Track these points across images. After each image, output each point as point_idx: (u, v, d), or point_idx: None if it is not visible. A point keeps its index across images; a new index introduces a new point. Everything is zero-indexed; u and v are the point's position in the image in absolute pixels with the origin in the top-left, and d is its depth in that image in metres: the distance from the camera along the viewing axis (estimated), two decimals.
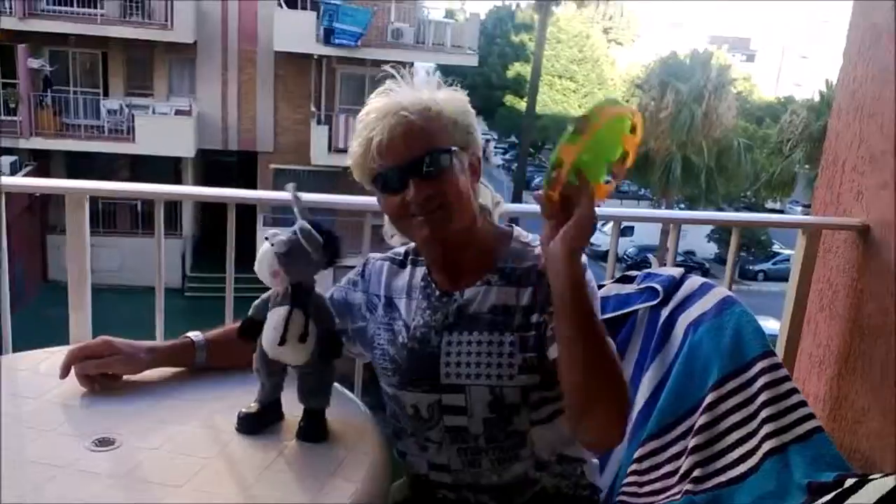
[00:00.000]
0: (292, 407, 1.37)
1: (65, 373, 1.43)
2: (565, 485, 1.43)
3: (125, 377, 1.47)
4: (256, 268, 1.27)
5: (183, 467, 1.25)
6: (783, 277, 2.25)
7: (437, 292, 1.42)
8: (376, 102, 1.35)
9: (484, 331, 1.36)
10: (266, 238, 1.26)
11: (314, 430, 1.35)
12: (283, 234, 1.27)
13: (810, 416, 1.50)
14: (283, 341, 1.28)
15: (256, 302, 1.34)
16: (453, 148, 1.33)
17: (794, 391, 1.52)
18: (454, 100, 1.36)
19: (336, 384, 1.45)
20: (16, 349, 2.01)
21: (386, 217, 1.41)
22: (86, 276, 1.88)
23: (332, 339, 1.34)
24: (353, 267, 1.57)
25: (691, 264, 22.55)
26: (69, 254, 1.88)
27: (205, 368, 1.53)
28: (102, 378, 1.44)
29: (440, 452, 1.41)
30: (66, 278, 1.97)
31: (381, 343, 1.46)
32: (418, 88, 1.35)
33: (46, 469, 1.22)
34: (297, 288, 1.29)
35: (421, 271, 1.46)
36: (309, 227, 1.27)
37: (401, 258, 1.51)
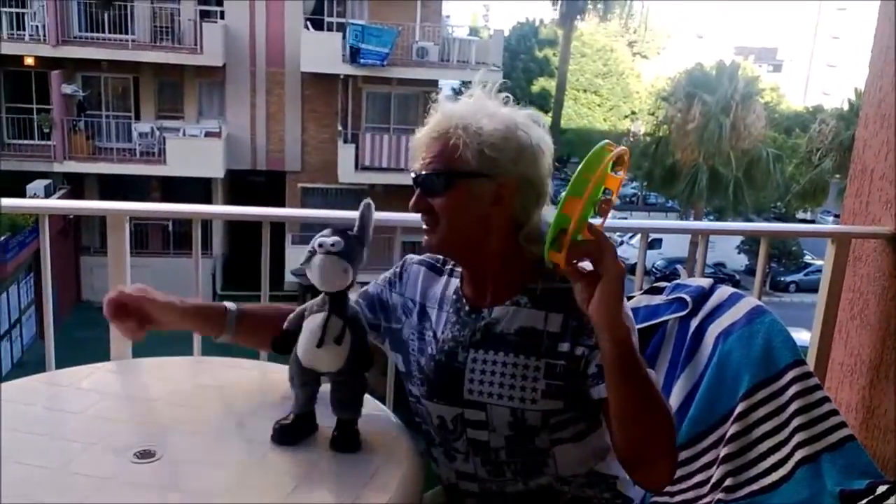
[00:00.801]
0: (327, 420, 1.40)
1: (109, 309, 1.48)
2: (596, 496, 1.44)
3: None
4: (319, 277, 1.30)
5: (222, 478, 1.28)
6: (815, 288, 2.23)
7: (467, 307, 1.43)
8: (444, 104, 1.37)
9: (510, 352, 1.36)
10: (319, 246, 1.30)
11: (347, 440, 1.38)
12: (327, 238, 1.31)
13: (842, 425, 1.49)
14: (320, 343, 1.31)
15: (291, 315, 1.38)
16: (472, 173, 1.31)
17: (825, 400, 1.51)
18: (504, 123, 1.32)
19: (368, 396, 1.48)
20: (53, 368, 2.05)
21: None
22: None
23: (364, 350, 1.37)
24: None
25: (721, 276, 22.35)
26: (111, 274, 1.93)
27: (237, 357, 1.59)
28: (133, 319, 1.48)
29: (467, 462, 1.43)
30: (99, 299, 2.01)
31: (413, 350, 1.48)
32: (479, 103, 1.34)
33: (92, 482, 1.25)
34: (334, 296, 1.33)
35: (454, 283, 1.47)
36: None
37: (439, 265, 1.52)
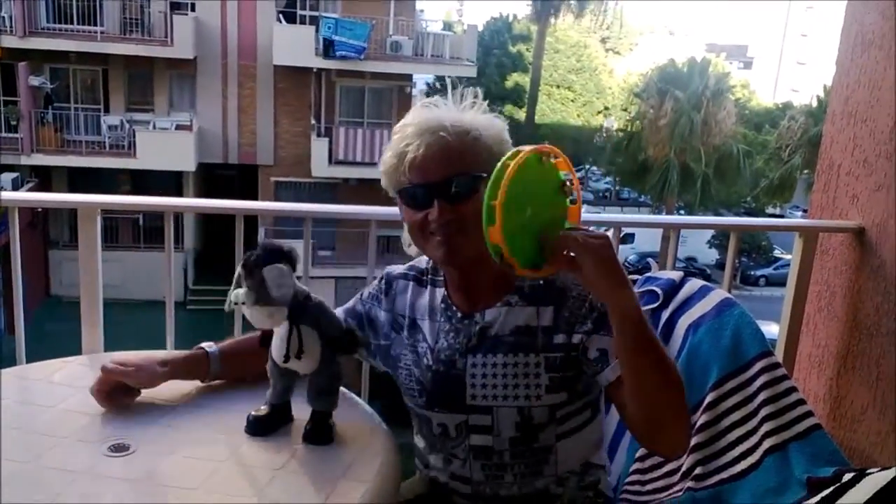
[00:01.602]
0: (304, 412, 1.40)
1: (98, 398, 1.45)
2: (582, 497, 1.46)
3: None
4: (259, 325, 1.32)
5: (197, 471, 1.28)
6: (785, 282, 2.28)
7: (459, 314, 1.43)
8: (417, 115, 1.35)
9: (508, 353, 1.37)
10: (240, 303, 1.29)
11: (319, 432, 1.38)
12: (241, 289, 1.29)
13: (809, 414, 1.53)
14: (286, 359, 1.34)
15: None
16: (483, 174, 1.30)
17: (792, 390, 1.55)
18: (493, 127, 1.36)
19: (344, 389, 1.48)
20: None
21: (405, 227, 1.42)
22: (97, 290, 1.90)
23: (343, 337, 1.39)
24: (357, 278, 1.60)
25: (693, 270, 22.57)
26: (82, 267, 1.91)
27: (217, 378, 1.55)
28: (121, 395, 1.45)
29: (464, 467, 1.43)
30: (68, 293, 1.99)
31: (407, 364, 1.47)
32: (462, 109, 1.36)
33: (65, 475, 1.25)
34: (291, 309, 1.33)
35: (440, 293, 1.47)
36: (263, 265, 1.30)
37: (422, 277, 1.51)
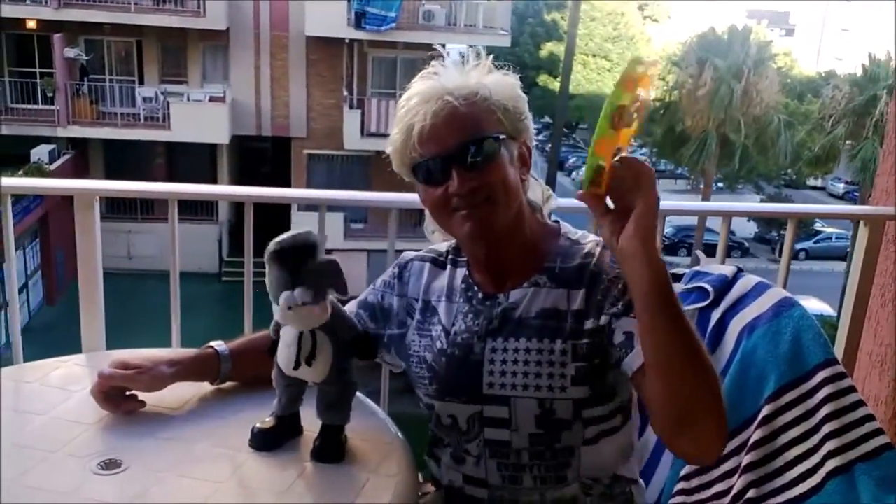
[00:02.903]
0: (314, 422, 1.28)
1: (98, 400, 1.34)
2: None
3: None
4: (302, 326, 1.20)
5: (193, 493, 1.17)
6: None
7: (480, 295, 1.31)
8: (419, 86, 1.25)
9: (532, 337, 1.25)
10: (300, 304, 1.17)
11: (329, 449, 1.27)
12: (297, 290, 1.17)
13: (879, 432, 1.37)
14: (297, 365, 1.21)
15: (273, 323, 1.26)
16: (501, 136, 1.23)
17: (860, 404, 1.39)
18: (505, 84, 1.26)
19: (361, 395, 1.36)
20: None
21: (427, 212, 1.31)
22: (97, 282, 1.80)
23: (359, 342, 1.28)
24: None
25: (730, 243, 22.13)
26: (80, 256, 1.81)
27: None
28: (126, 400, 1.34)
29: (478, 466, 1.31)
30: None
31: (418, 350, 1.36)
32: (466, 72, 1.26)
33: (48, 496, 1.15)
34: None
35: (462, 272, 1.35)
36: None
37: (441, 258, 1.40)
